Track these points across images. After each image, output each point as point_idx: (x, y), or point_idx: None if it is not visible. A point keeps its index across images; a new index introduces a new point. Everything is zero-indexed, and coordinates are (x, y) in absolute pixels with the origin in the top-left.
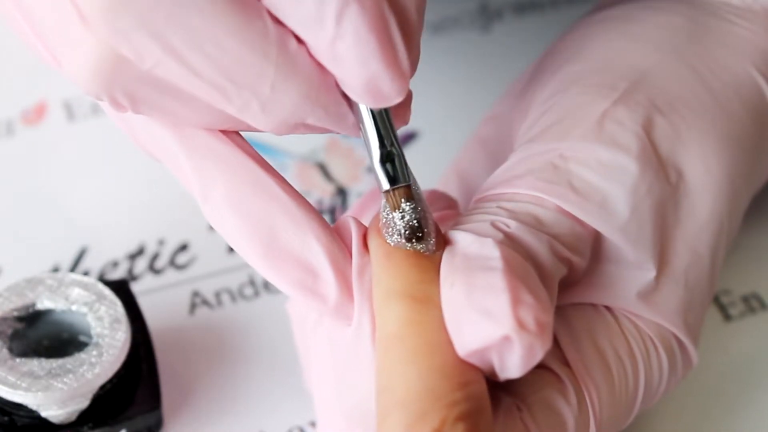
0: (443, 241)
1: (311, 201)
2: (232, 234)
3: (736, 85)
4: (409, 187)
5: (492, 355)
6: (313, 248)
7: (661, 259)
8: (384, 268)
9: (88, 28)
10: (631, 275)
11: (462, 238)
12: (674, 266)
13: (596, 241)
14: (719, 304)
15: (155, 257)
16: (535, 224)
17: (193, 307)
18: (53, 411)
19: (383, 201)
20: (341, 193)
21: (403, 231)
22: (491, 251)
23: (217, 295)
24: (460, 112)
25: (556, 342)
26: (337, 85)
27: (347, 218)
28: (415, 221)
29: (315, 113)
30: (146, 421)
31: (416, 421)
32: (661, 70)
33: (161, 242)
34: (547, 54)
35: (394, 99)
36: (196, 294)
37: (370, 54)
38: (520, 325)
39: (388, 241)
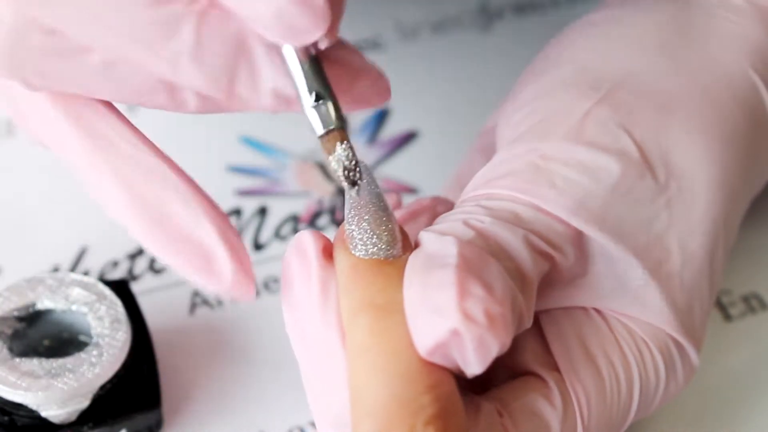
0: (410, 245)
1: (311, 201)
2: (127, 218)
3: (727, 80)
4: (342, 130)
5: (453, 353)
6: (207, 229)
7: (653, 258)
8: (349, 280)
9: None
10: (620, 274)
11: (427, 238)
12: (668, 266)
13: (584, 242)
14: (719, 304)
15: (155, 257)
16: (514, 220)
17: (193, 307)
18: (53, 411)
19: (346, 213)
20: (341, 193)
21: (339, 173)
22: (450, 249)
23: (218, 295)
24: (460, 112)
25: (545, 346)
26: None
27: (305, 232)
28: (349, 162)
29: (242, 70)
30: (146, 420)
31: (384, 430)
32: (648, 68)
33: None
34: (537, 58)
35: (310, 31)
36: (196, 294)
37: None
38: (467, 317)
39: (353, 252)
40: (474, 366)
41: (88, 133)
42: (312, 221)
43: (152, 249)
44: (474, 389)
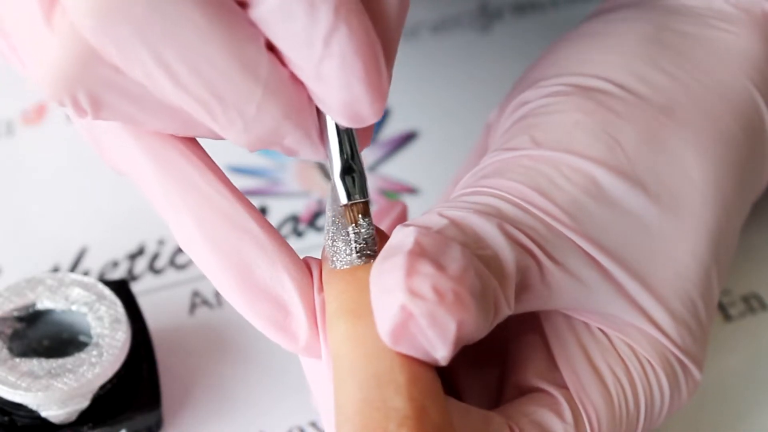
0: None
1: (311, 201)
2: (204, 262)
3: (720, 89)
4: (366, 203)
5: (417, 336)
6: (285, 284)
7: (644, 270)
8: (327, 292)
9: (52, 30)
10: (614, 286)
11: (394, 232)
12: (659, 278)
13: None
14: (719, 304)
15: (155, 257)
16: (493, 213)
17: (193, 307)
18: (53, 411)
19: (325, 231)
20: None
21: (355, 246)
22: (408, 238)
23: (217, 295)
24: (460, 112)
25: (553, 363)
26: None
27: (306, 259)
28: (369, 238)
29: (294, 134)
30: (146, 421)
31: None
32: (637, 80)
33: (161, 242)
34: (527, 69)
35: (369, 120)
36: (196, 294)
37: (354, 77)
38: (413, 293)
39: (330, 267)
40: (439, 348)
41: (169, 171)
42: (312, 221)
43: (228, 297)
44: (485, 407)
